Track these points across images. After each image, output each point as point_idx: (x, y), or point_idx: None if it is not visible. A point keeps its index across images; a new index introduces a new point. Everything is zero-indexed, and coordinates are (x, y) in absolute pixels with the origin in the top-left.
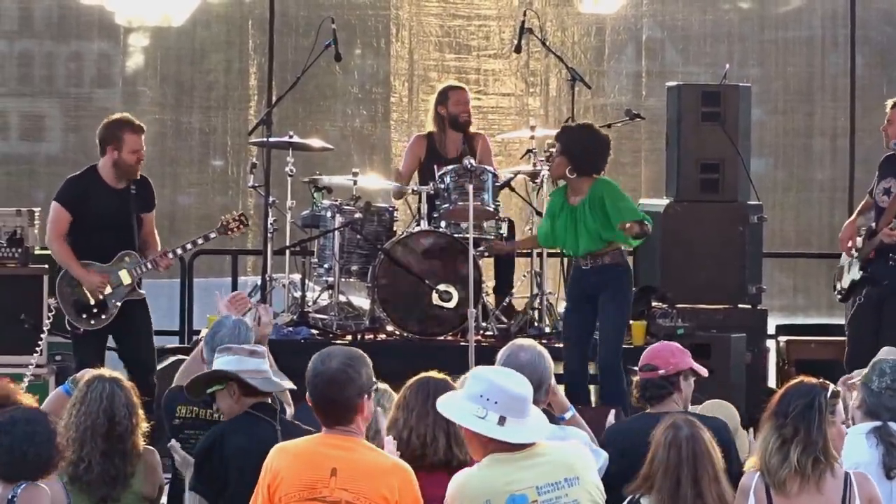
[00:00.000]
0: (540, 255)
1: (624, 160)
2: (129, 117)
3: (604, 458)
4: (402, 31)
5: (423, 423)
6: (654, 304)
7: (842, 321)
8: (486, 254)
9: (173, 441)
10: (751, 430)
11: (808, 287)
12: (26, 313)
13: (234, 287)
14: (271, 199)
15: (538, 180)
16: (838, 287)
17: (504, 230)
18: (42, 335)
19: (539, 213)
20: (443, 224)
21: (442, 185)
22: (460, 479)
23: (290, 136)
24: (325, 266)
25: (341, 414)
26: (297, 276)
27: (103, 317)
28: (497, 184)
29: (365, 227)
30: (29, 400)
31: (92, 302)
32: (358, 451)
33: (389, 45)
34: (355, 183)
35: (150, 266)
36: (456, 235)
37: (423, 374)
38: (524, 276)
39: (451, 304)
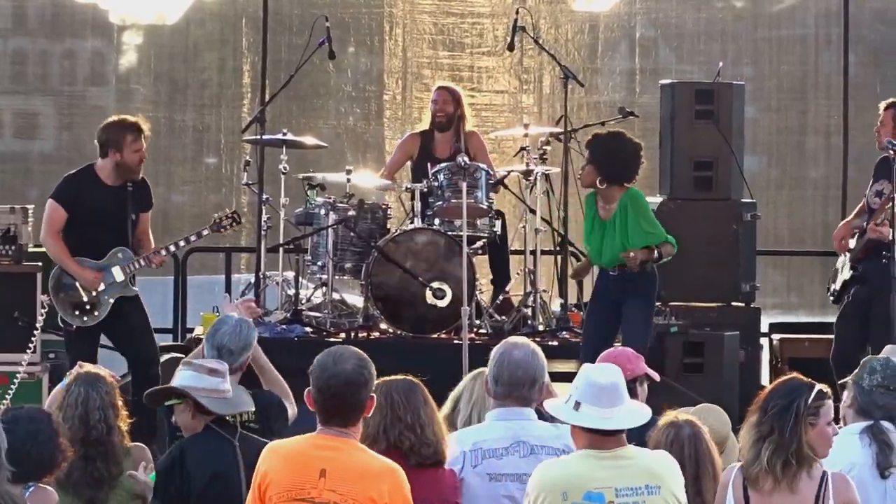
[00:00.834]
0: (533, 252)
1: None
2: (130, 119)
3: None
4: (395, 29)
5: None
6: None
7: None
8: (481, 252)
9: (141, 468)
10: (731, 437)
11: (801, 285)
12: (20, 311)
13: (228, 284)
14: (265, 196)
15: (531, 178)
16: (832, 288)
17: (498, 228)
18: (35, 333)
19: (532, 211)
20: (436, 222)
21: (436, 183)
22: (542, 468)
23: (284, 134)
24: (319, 263)
25: (348, 415)
26: (290, 274)
27: (96, 314)
28: (491, 181)
29: (359, 225)
30: None
31: (85, 299)
32: (348, 453)
33: (383, 42)
34: (349, 180)
35: (143, 263)
36: (450, 233)
37: (386, 378)
38: (518, 273)
39: (445, 302)
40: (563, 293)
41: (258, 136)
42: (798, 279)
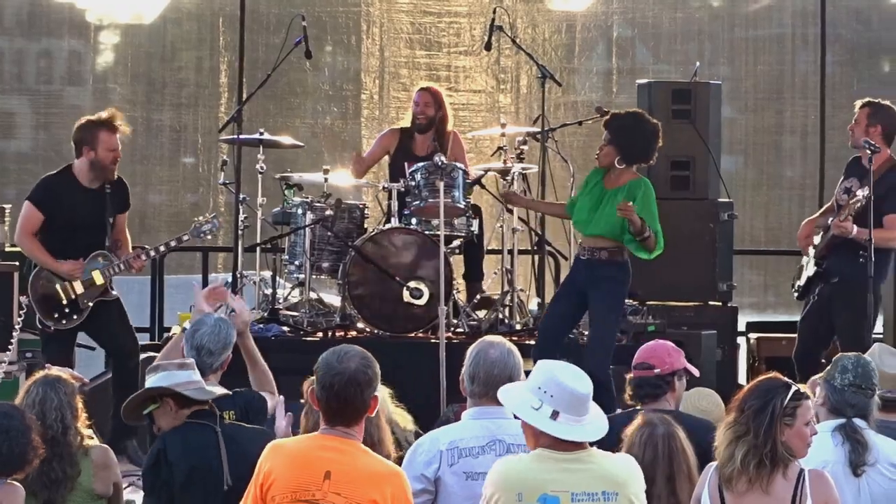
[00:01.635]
0: (511, 252)
1: (594, 158)
2: (104, 117)
3: None
4: (372, 28)
5: None
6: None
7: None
8: (458, 251)
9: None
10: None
11: (777, 284)
12: None
13: (205, 284)
14: (242, 196)
15: (509, 177)
16: (796, 285)
17: (475, 228)
18: (13, 333)
19: (510, 211)
20: (413, 221)
21: (413, 183)
22: (501, 465)
23: (261, 134)
24: (296, 263)
25: (351, 415)
26: (267, 274)
27: (75, 317)
28: (468, 181)
29: (336, 225)
30: None
31: (64, 301)
32: (353, 455)
33: (360, 42)
34: (326, 180)
35: (122, 267)
36: (427, 233)
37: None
38: (495, 273)
39: (422, 302)
40: (540, 292)
41: (235, 136)
42: (775, 278)
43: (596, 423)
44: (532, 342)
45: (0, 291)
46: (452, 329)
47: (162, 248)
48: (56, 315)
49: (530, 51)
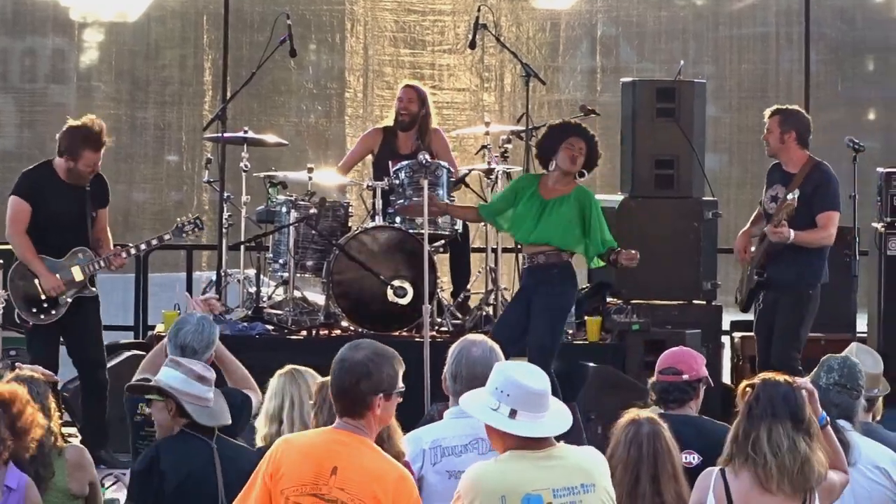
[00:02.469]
0: (495, 251)
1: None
2: (92, 132)
3: None
4: (356, 27)
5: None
6: (608, 300)
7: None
8: (442, 250)
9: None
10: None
11: None
12: None
13: (189, 282)
14: (226, 194)
15: (493, 176)
16: (738, 297)
17: (459, 226)
18: None
19: None
20: (397, 219)
21: (397, 181)
22: (476, 471)
23: (245, 132)
24: (280, 261)
25: (349, 406)
26: (251, 272)
27: (53, 312)
28: (451, 179)
29: (320, 223)
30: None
31: (42, 297)
32: (360, 452)
33: (344, 40)
34: (310, 178)
35: (102, 264)
36: (411, 231)
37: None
38: (479, 272)
39: (406, 300)
40: None
41: (219, 134)
42: None
43: (555, 418)
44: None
45: None
46: (437, 328)
47: (143, 247)
48: (34, 310)
49: (514, 49)
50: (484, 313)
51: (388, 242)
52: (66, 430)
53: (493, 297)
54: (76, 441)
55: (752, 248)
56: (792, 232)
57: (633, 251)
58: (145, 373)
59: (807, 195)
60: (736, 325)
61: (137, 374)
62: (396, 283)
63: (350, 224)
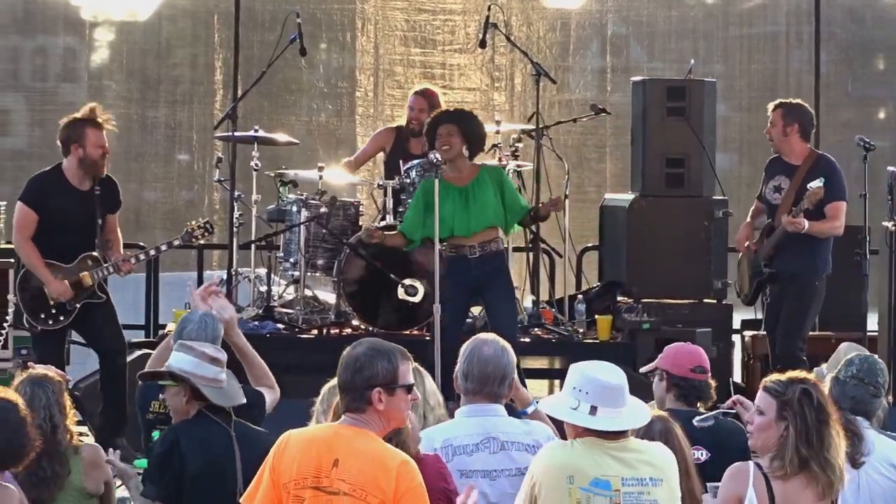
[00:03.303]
0: (505, 249)
1: (589, 156)
2: (88, 114)
3: None
4: (367, 26)
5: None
6: (619, 298)
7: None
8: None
9: (112, 453)
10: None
11: None
12: None
13: (200, 281)
14: (237, 193)
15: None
16: (744, 290)
17: None
18: (4, 329)
19: None
20: None
21: (407, 180)
22: (548, 451)
23: (256, 131)
24: (291, 260)
25: (350, 401)
26: (262, 271)
27: (61, 318)
28: None
29: (330, 222)
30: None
31: (51, 303)
32: (361, 443)
33: (355, 39)
34: (321, 177)
35: (111, 270)
36: None
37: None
38: None
39: (417, 299)
40: (534, 290)
41: (230, 133)
42: None
43: (634, 411)
44: (527, 339)
45: None
46: None
47: (152, 252)
48: (42, 315)
49: (525, 49)
50: None
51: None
52: (77, 428)
53: None
54: (88, 440)
55: (754, 241)
56: (807, 222)
57: (554, 197)
58: (154, 368)
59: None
60: (746, 324)
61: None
62: (407, 281)
63: (361, 223)
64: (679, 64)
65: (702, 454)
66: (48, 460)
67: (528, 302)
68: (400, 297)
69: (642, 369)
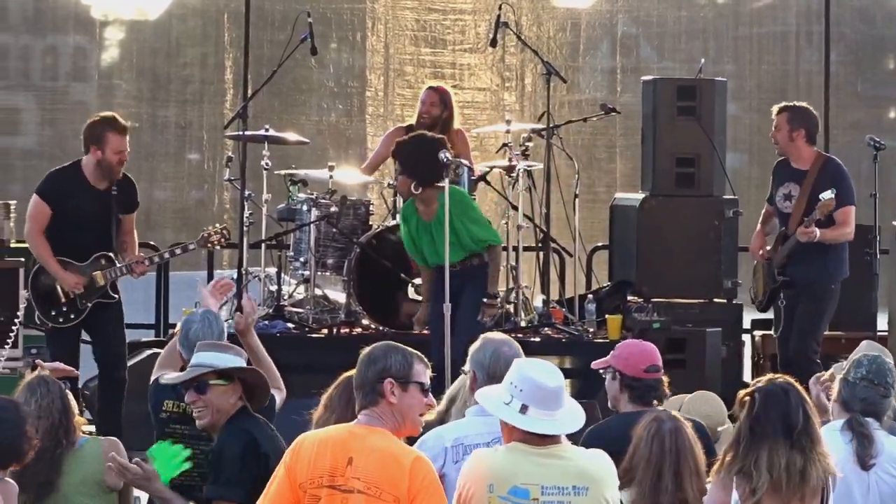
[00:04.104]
0: (516, 249)
1: (599, 156)
2: (114, 117)
3: None
4: (377, 25)
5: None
6: (629, 298)
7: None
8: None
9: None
10: (727, 423)
11: None
12: (1, 307)
13: (210, 281)
14: (247, 192)
15: (514, 174)
16: (759, 296)
17: None
18: (15, 327)
19: (515, 208)
20: None
21: None
22: (475, 458)
23: (266, 130)
24: (301, 260)
25: (363, 396)
26: (272, 270)
27: (72, 316)
28: (472, 178)
29: (341, 221)
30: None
31: (63, 300)
32: (374, 441)
33: (365, 39)
34: (331, 177)
35: (125, 271)
36: None
37: (347, 374)
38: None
39: None
40: (545, 289)
41: (240, 132)
42: None
43: (569, 416)
44: (537, 339)
45: (4, 287)
46: None
47: (167, 255)
48: (54, 313)
49: (535, 49)
50: (505, 311)
51: None
52: (86, 429)
53: (513, 295)
54: None
55: (768, 248)
56: (818, 231)
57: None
58: (163, 369)
59: (825, 191)
60: (757, 324)
61: (155, 371)
62: (417, 281)
63: (371, 222)
64: (689, 64)
65: None
66: (54, 459)
67: (538, 301)
68: (410, 296)
69: (594, 364)
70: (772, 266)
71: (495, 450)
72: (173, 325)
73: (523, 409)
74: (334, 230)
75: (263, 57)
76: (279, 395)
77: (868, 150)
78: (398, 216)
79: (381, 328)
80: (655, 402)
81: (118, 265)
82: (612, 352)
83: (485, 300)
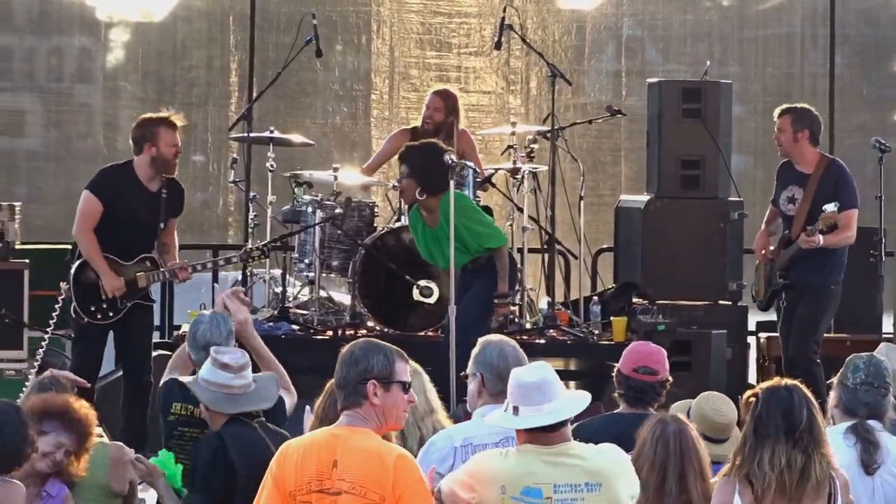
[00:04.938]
0: (521, 251)
1: (604, 159)
2: (165, 115)
3: None
4: (382, 28)
5: None
6: (634, 300)
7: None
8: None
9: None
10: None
11: None
12: (6, 308)
13: (215, 283)
14: (252, 194)
15: (519, 176)
16: (760, 296)
17: None
18: (53, 317)
19: (520, 210)
20: None
21: None
22: (482, 459)
23: (271, 132)
24: (306, 261)
25: (346, 396)
26: (277, 272)
27: (110, 314)
28: (478, 180)
29: (345, 223)
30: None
31: (103, 297)
32: (357, 441)
33: (370, 41)
34: (336, 178)
35: (167, 275)
36: None
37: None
38: None
39: (432, 300)
40: (550, 291)
41: (245, 134)
42: None
43: (559, 407)
44: (542, 341)
45: (10, 289)
46: None
47: (209, 264)
48: (93, 309)
49: (540, 52)
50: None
51: (414, 242)
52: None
53: (519, 297)
54: (103, 441)
55: (772, 248)
56: (821, 238)
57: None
58: (174, 371)
59: (828, 194)
60: (762, 326)
61: (166, 374)
62: (422, 282)
63: (376, 224)
64: (694, 67)
65: None
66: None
67: (543, 303)
68: (415, 298)
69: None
70: (774, 267)
71: (502, 452)
72: (178, 327)
73: (515, 410)
74: (339, 232)
75: (268, 59)
76: (289, 398)
77: (873, 152)
78: (404, 218)
79: (385, 329)
80: (642, 406)
81: (162, 269)
82: None
83: (496, 300)
